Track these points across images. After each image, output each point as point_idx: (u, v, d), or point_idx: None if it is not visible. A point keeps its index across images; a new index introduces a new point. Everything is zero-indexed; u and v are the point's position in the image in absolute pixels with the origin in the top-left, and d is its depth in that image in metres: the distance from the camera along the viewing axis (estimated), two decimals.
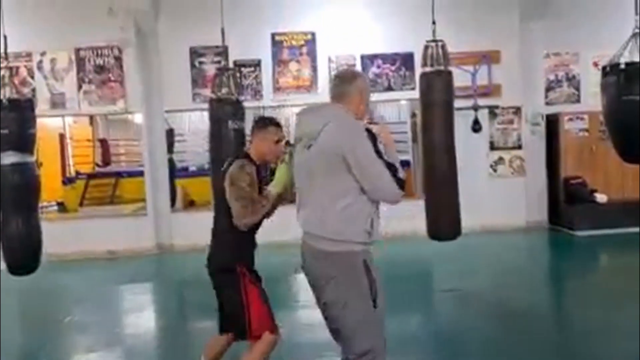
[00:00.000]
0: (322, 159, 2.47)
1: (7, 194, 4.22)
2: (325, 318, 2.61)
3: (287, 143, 3.09)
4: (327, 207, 2.46)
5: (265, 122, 3.14)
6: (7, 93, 4.35)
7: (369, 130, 2.48)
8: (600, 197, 8.23)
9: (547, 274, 6.78)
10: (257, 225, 3.05)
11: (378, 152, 2.45)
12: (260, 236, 3.10)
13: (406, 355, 3.81)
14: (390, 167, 2.45)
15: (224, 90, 4.82)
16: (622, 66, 3.92)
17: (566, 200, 8.44)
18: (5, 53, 4.30)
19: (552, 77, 8.87)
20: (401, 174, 2.48)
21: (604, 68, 4.10)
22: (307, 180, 2.56)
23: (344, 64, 8.44)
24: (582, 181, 8.35)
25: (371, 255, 2.51)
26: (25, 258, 4.32)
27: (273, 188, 3.02)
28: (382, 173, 2.43)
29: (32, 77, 8.06)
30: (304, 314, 5.20)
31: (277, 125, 3.16)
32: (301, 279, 2.75)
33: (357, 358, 2.50)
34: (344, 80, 2.66)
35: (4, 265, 4.42)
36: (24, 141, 4.27)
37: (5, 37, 4.27)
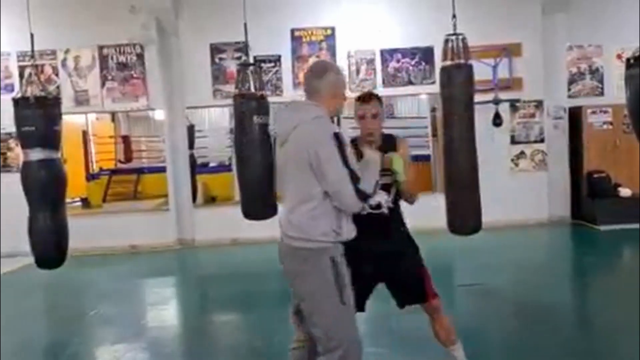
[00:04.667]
0: (292, 160, 2.52)
1: (35, 190, 4.32)
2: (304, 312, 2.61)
3: None
4: (295, 208, 2.51)
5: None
6: (34, 91, 4.44)
7: (337, 135, 2.43)
8: (624, 192, 8.12)
9: (570, 269, 6.70)
10: None
11: (345, 159, 2.41)
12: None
13: (424, 351, 3.81)
14: (354, 176, 2.41)
15: (247, 85, 4.82)
16: None
17: (589, 194, 8.33)
18: (32, 51, 4.39)
19: (574, 70, 8.75)
20: (364, 185, 2.44)
21: (628, 60, 4.01)
22: (282, 178, 2.63)
23: (364, 59, 8.45)
24: (606, 175, 8.24)
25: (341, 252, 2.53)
26: (53, 252, 4.41)
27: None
28: (342, 180, 2.41)
29: (57, 75, 8.20)
30: None
31: None
32: None
33: (326, 353, 2.49)
34: (314, 75, 2.60)
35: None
36: (51, 138, 4.34)
37: (32, 36, 4.36)
